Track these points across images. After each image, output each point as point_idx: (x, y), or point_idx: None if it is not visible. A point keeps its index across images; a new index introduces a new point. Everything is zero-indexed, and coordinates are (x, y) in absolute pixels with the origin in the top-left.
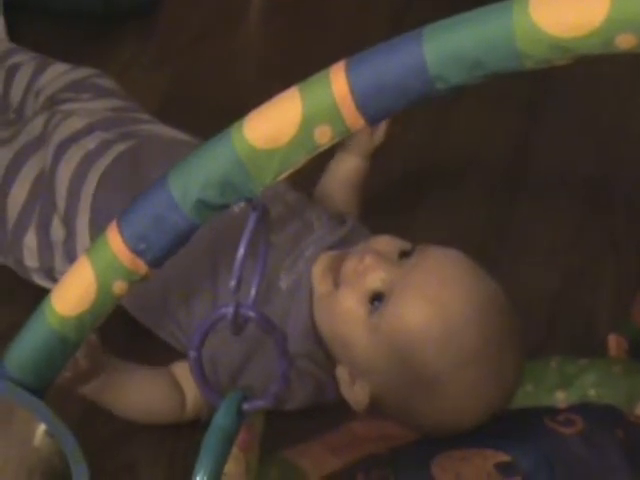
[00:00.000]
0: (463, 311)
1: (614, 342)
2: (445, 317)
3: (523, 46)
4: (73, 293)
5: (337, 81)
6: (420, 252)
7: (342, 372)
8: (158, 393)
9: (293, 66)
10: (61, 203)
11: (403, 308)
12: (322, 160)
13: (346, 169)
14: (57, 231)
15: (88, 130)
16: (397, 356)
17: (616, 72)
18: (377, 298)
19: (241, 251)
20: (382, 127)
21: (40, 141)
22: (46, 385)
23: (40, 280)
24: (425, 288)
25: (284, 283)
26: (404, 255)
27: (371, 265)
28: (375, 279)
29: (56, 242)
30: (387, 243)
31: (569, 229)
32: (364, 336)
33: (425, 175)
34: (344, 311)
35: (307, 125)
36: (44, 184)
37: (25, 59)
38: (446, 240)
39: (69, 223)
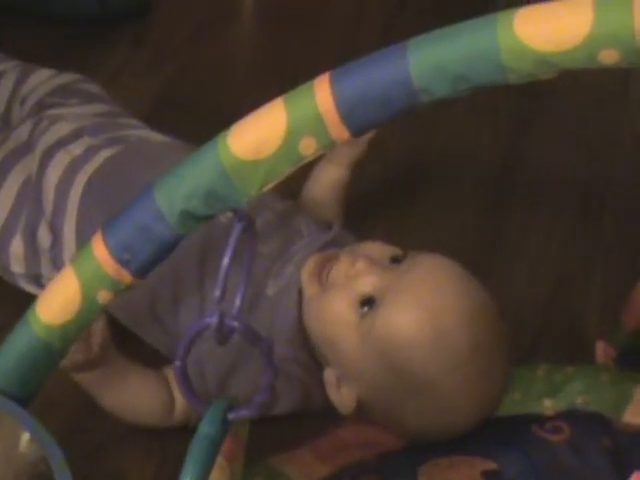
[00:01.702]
0: (454, 318)
1: (602, 349)
2: (436, 324)
3: (507, 60)
4: (58, 302)
5: (322, 93)
6: (412, 258)
7: (329, 375)
8: (150, 393)
9: (286, 67)
10: (48, 209)
11: (395, 314)
12: (308, 169)
13: (328, 178)
14: (44, 237)
15: (75, 135)
16: (386, 361)
17: (604, 77)
18: (368, 302)
19: (225, 261)
20: (364, 137)
21: (27, 147)
22: (31, 393)
23: (27, 286)
24: (417, 294)
25: (271, 290)
26: (395, 261)
27: (363, 269)
28: (367, 283)
29: (43, 248)
30: (378, 248)
31: (558, 236)
32: (353, 340)
33: (414, 180)
34: (334, 314)
35: (292, 137)
36: (31, 190)
37: (8, 67)
38: (435, 246)
39: (56, 229)
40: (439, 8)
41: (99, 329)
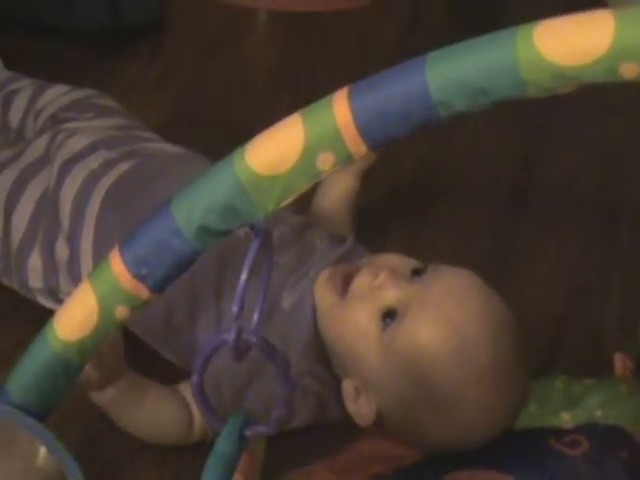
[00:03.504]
0: (477, 332)
1: (620, 361)
2: (460, 338)
3: (527, 74)
4: (75, 318)
5: (340, 108)
6: (434, 271)
7: (348, 386)
8: (169, 412)
9: (299, 81)
10: (65, 223)
11: (419, 327)
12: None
13: (339, 189)
14: (61, 251)
15: (91, 149)
16: (408, 373)
17: (621, 86)
18: (390, 315)
19: (243, 277)
20: None
21: (43, 161)
22: (48, 409)
23: (44, 301)
24: (441, 308)
25: (286, 302)
26: (416, 273)
27: (386, 282)
28: (390, 296)
29: (60, 262)
30: (399, 260)
31: (574, 246)
32: (375, 352)
33: (428, 192)
34: (355, 325)
35: (310, 152)
36: (48, 204)
37: (23, 84)
38: (450, 258)
39: (73, 243)
40: (453, 22)
41: (112, 343)
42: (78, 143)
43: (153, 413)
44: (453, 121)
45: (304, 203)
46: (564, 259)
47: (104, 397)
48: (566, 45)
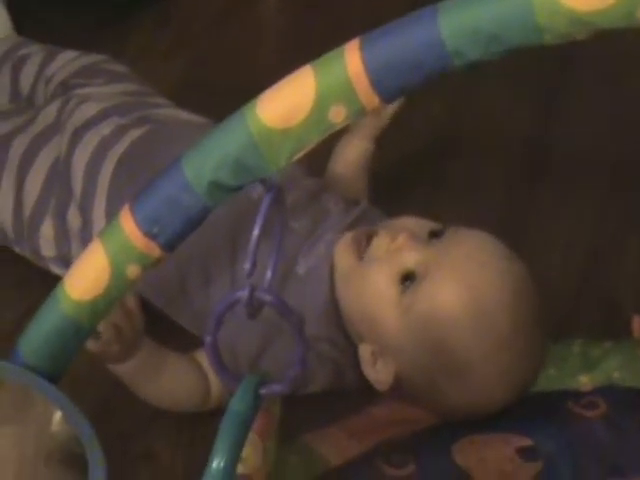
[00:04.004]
0: (497, 295)
1: (638, 324)
2: (480, 301)
3: (542, 20)
4: (86, 278)
5: (351, 59)
6: (453, 234)
7: (365, 351)
8: (186, 381)
9: (311, 46)
10: (77, 190)
11: (438, 290)
12: (332, 145)
13: (353, 153)
14: (73, 219)
15: (103, 115)
16: (428, 337)
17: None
18: (409, 277)
19: (255, 232)
20: (388, 110)
21: (55, 128)
22: (61, 371)
23: (57, 269)
24: (461, 271)
25: (301, 268)
26: (434, 235)
27: (404, 244)
28: (409, 258)
29: (72, 230)
30: (416, 223)
31: (590, 211)
32: (393, 315)
33: (446, 155)
34: (373, 289)
35: (321, 104)
36: (60, 171)
37: (33, 50)
38: (466, 222)
39: (85, 210)
40: None
41: (131, 316)
42: (89, 110)
43: (170, 382)
44: (469, 85)
45: (318, 167)
46: (580, 223)
47: (122, 368)
48: None
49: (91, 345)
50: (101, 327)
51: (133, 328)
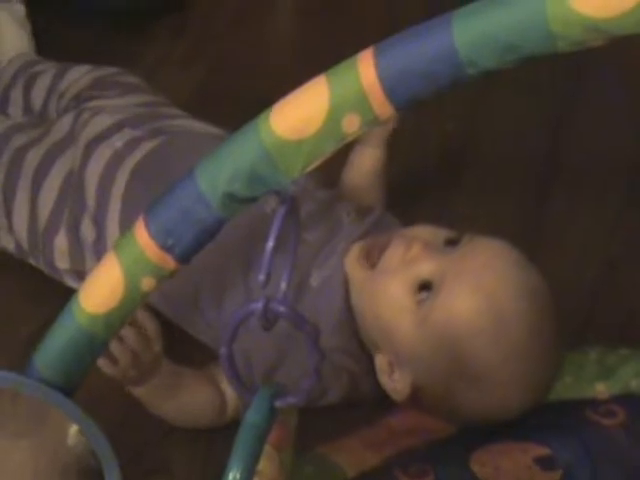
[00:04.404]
0: (514, 303)
1: None
2: (497, 310)
3: (556, 28)
4: (101, 291)
5: (365, 68)
6: (469, 242)
7: (382, 361)
8: (202, 398)
9: (326, 54)
10: (91, 203)
11: (455, 300)
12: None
13: (366, 161)
14: (87, 231)
15: (116, 127)
16: (445, 347)
17: None
18: (425, 287)
19: (270, 244)
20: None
21: (68, 140)
22: (76, 384)
23: (71, 282)
24: (478, 280)
25: (315, 280)
26: (450, 243)
27: (420, 254)
28: (424, 268)
29: (87, 243)
30: (431, 231)
31: (605, 219)
32: (410, 325)
33: (460, 162)
34: (390, 299)
35: (335, 114)
36: (74, 184)
37: (46, 66)
38: (483, 227)
39: (99, 223)
40: None
41: (151, 342)
42: (103, 122)
43: (187, 401)
44: (483, 92)
45: (332, 178)
46: (596, 231)
47: (138, 390)
48: None
49: (108, 369)
50: (118, 351)
51: (151, 354)
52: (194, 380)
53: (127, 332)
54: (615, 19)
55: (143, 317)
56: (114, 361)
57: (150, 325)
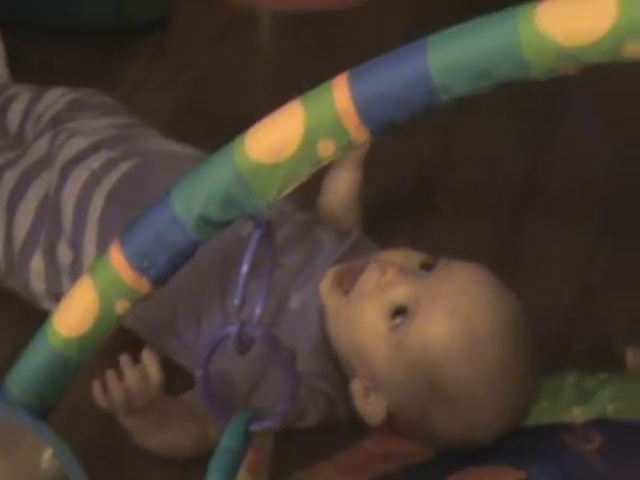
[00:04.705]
0: (490, 328)
1: (632, 356)
2: (473, 334)
3: (529, 55)
4: (75, 313)
5: (340, 93)
6: (444, 266)
7: (357, 386)
8: (188, 433)
9: (304, 75)
10: (68, 225)
11: (430, 324)
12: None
13: (342, 184)
14: (64, 254)
15: (93, 149)
16: (420, 371)
17: (632, 82)
18: (400, 312)
19: (244, 268)
20: None
21: (45, 162)
22: (50, 407)
23: (48, 304)
24: (453, 304)
25: (294, 303)
26: (425, 267)
27: (394, 279)
28: (399, 293)
29: (63, 265)
30: (406, 255)
31: (582, 244)
32: (385, 350)
33: (437, 186)
34: (365, 324)
35: (310, 139)
36: (50, 206)
37: (22, 89)
38: (459, 252)
39: (76, 245)
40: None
41: (150, 382)
42: (79, 143)
43: (172, 436)
44: (459, 117)
45: (310, 200)
46: (573, 256)
47: (126, 421)
48: (568, 24)
49: (99, 397)
50: (113, 386)
51: (147, 395)
52: (181, 414)
53: (128, 372)
54: (586, 47)
55: (148, 359)
56: (107, 390)
57: (153, 368)
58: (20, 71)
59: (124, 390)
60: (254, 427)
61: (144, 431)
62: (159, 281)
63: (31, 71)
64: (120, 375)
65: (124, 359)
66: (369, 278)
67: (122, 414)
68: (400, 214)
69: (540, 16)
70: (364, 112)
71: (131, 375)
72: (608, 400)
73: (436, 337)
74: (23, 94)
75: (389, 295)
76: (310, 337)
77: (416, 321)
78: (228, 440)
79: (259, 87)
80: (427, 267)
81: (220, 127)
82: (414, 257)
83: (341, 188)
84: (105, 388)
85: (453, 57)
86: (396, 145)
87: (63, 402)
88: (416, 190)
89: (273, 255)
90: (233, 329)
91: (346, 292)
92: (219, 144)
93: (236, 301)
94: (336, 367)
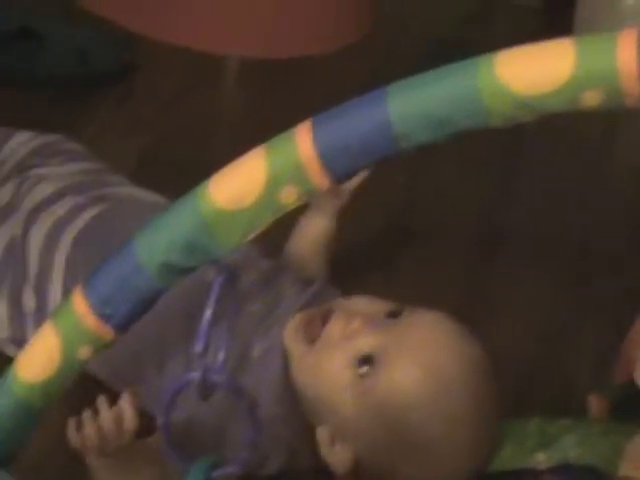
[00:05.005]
0: (455, 376)
1: (595, 403)
2: (438, 383)
3: (489, 104)
4: (38, 359)
5: (302, 141)
6: (409, 315)
7: (322, 434)
8: (150, 476)
9: (270, 126)
10: (33, 272)
11: (396, 373)
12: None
13: (314, 229)
14: (28, 301)
15: (58, 195)
16: (386, 419)
17: (588, 122)
18: (365, 362)
19: (207, 314)
20: (347, 187)
21: (10, 208)
22: (12, 453)
23: (12, 350)
24: (419, 353)
25: (256, 351)
26: (392, 316)
27: (360, 329)
28: (365, 343)
29: (28, 312)
30: (372, 304)
31: (546, 289)
32: (351, 399)
33: (397, 238)
34: (330, 373)
35: (273, 185)
36: (15, 253)
37: None
38: (419, 303)
39: (41, 292)
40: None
41: (123, 424)
42: (45, 190)
43: (137, 476)
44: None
45: (276, 247)
46: (537, 301)
47: (93, 461)
48: (527, 74)
49: (71, 434)
50: (88, 425)
51: (120, 435)
52: (147, 459)
53: (104, 412)
54: (546, 96)
55: (125, 402)
56: (80, 428)
57: (128, 413)
58: None
59: (98, 429)
60: (216, 474)
61: (110, 473)
62: (122, 328)
63: None
64: (95, 415)
65: (101, 399)
66: (335, 327)
67: (92, 454)
68: (359, 265)
69: (499, 65)
70: (326, 160)
71: (106, 416)
72: (571, 446)
73: (401, 387)
74: None
75: (355, 344)
76: (273, 385)
77: (382, 371)
78: None
79: (222, 137)
80: (393, 315)
81: (183, 176)
82: (380, 306)
83: (310, 232)
84: (79, 427)
85: (414, 106)
86: (358, 187)
87: (23, 450)
88: (376, 241)
89: (236, 300)
90: (196, 375)
91: (311, 341)
92: (184, 192)
93: (199, 346)
94: (300, 414)
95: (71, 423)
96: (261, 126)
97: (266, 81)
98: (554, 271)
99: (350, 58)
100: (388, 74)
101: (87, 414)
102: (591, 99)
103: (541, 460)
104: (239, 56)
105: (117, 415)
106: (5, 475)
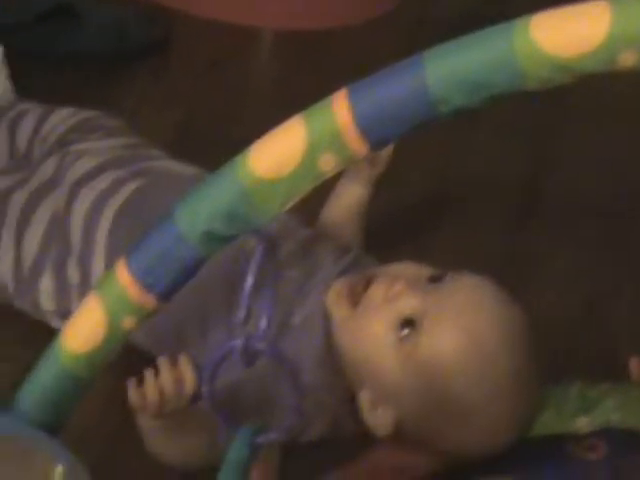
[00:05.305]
0: (498, 341)
1: (636, 365)
2: (481, 347)
3: (525, 66)
4: (83, 330)
5: (340, 109)
6: (452, 279)
7: (364, 397)
8: (204, 442)
9: (304, 97)
10: (76, 245)
11: (439, 337)
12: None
13: (349, 198)
14: (73, 273)
15: (99, 170)
16: (428, 383)
17: (627, 96)
18: (408, 324)
19: (249, 281)
20: (383, 155)
21: (53, 183)
22: (61, 423)
23: (57, 323)
24: (461, 318)
25: (297, 318)
26: (433, 281)
27: (402, 291)
28: (407, 305)
29: (72, 284)
30: (414, 269)
31: (585, 255)
32: (393, 362)
33: (441, 201)
34: (372, 337)
35: (311, 153)
36: (59, 226)
37: (29, 109)
38: (463, 266)
39: (84, 265)
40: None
41: (183, 383)
42: (86, 165)
43: (189, 444)
44: (458, 133)
45: (312, 215)
46: (576, 267)
47: (148, 423)
48: (563, 36)
49: (133, 394)
50: (149, 385)
51: (179, 397)
52: (197, 424)
53: (164, 373)
54: (581, 57)
55: (185, 365)
56: (141, 390)
57: (188, 374)
58: (21, 94)
59: (159, 389)
60: (260, 440)
61: (164, 436)
62: (165, 297)
63: (32, 94)
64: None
65: (162, 360)
66: (377, 290)
67: (149, 414)
68: (402, 230)
69: (534, 28)
70: (363, 127)
71: (167, 376)
72: (612, 410)
73: (443, 351)
74: (30, 114)
75: (397, 307)
76: (315, 350)
77: (424, 334)
78: (235, 453)
79: (258, 108)
80: (435, 280)
81: (219, 149)
82: (422, 270)
83: (345, 200)
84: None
85: (449, 70)
86: (397, 162)
87: (71, 419)
88: (418, 206)
89: (276, 270)
90: (238, 343)
91: (354, 304)
92: (217, 165)
93: (240, 314)
94: (342, 380)
95: (132, 381)
96: (296, 98)
97: (300, 53)
98: (592, 236)
99: (383, 29)
100: (421, 44)
101: (149, 373)
102: (628, 59)
103: (583, 425)
104: (273, 28)
105: (177, 377)
106: (56, 444)
